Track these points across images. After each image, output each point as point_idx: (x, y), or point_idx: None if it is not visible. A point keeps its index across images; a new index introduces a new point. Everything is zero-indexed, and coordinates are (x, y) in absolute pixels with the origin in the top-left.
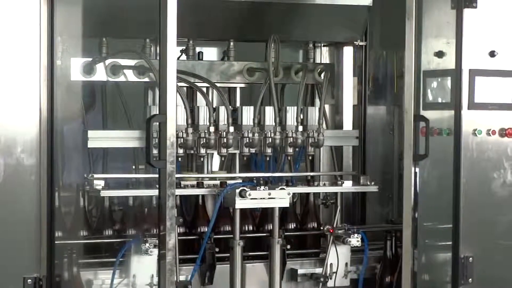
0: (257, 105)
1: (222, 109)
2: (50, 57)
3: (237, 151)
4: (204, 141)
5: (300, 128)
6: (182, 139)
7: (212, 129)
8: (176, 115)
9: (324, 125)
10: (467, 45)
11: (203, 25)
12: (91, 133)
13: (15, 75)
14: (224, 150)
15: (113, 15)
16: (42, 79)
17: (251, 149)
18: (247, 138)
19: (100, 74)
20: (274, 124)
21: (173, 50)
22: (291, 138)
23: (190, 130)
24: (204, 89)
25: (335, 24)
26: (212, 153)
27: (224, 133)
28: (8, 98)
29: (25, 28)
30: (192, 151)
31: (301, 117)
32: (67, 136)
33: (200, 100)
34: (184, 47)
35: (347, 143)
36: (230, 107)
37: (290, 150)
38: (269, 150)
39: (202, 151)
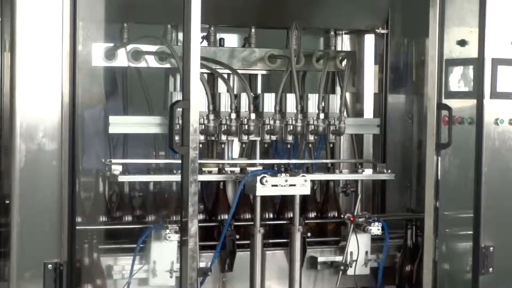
0: (278, 92)
1: (244, 96)
2: (72, 43)
3: (258, 138)
4: (225, 128)
5: (322, 115)
6: (203, 126)
7: (233, 115)
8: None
9: (345, 113)
10: (490, 34)
11: (224, 12)
12: (112, 119)
13: (38, 60)
14: (245, 137)
15: (134, 1)
16: (64, 65)
17: (272, 136)
18: (268, 125)
19: (121, 59)
20: (295, 111)
21: (197, 36)
22: (313, 126)
23: (211, 116)
24: (225, 76)
25: (357, 11)
26: (233, 140)
27: (245, 120)
28: (30, 84)
29: (47, 14)
30: (213, 138)
31: (322, 105)
32: (88, 121)
33: (221, 86)
34: (205, 34)
35: (368, 131)
36: (251, 94)
37: (311, 137)
38: (290, 138)
39: (223, 137)
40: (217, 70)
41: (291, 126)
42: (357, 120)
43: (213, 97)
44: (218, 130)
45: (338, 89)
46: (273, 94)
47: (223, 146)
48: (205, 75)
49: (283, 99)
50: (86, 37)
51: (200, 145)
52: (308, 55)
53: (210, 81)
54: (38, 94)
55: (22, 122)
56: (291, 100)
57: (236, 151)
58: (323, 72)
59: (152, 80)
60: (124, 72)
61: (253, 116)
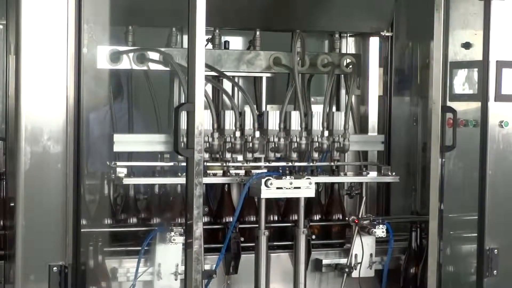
0: (283, 110)
1: (248, 114)
2: (77, 45)
3: (263, 156)
4: (230, 146)
5: (326, 133)
6: (207, 144)
7: (238, 133)
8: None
9: (350, 122)
10: (495, 36)
11: (229, 14)
12: (116, 137)
13: (43, 63)
14: (249, 155)
15: (139, 3)
16: (69, 67)
17: (276, 153)
18: (273, 143)
19: (126, 62)
20: (299, 128)
21: (202, 39)
22: (317, 143)
23: (216, 134)
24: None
25: (362, 14)
26: (237, 157)
27: (250, 137)
28: (35, 87)
29: (52, 16)
30: (217, 156)
31: (328, 110)
32: (93, 124)
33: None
34: (210, 36)
35: (373, 148)
36: (256, 111)
37: (315, 155)
38: (294, 155)
39: (228, 155)
40: (223, 87)
41: (296, 144)
42: (362, 136)
43: (218, 115)
44: (222, 148)
45: (343, 92)
46: (277, 112)
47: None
48: (210, 93)
49: (287, 116)
50: (91, 40)
51: (205, 163)
52: (313, 58)
53: (215, 97)
54: (43, 96)
55: (27, 124)
56: (295, 117)
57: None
58: (327, 88)
59: (157, 82)
60: (129, 74)
61: (257, 134)
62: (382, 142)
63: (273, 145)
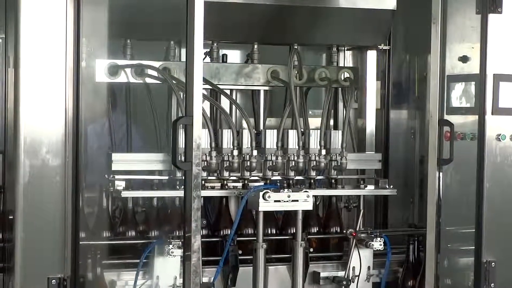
0: (280, 129)
1: (246, 132)
2: (76, 59)
3: (260, 174)
4: (228, 164)
5: (323, 151)
6: (205, 162)
7: (235, 152)
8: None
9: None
10: (492, 50)
11: (227, 28)
12: (115, 156)
13: (41, 76)
14: (247, 174)
15: (138, 17)
16: (67, 81)
17: (274, 172)
18: (270, 162)
19: (124, 76)
20: (297, 147)
21: (200, 52)
22: (314, 162)
23: (213, 153)
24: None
25: (359, 28)
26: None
27: (248, 156)
28: (34, 100)
29: (51, 30)
30: (215, 175)
31: (324, 130)
32: (91, 137)
33: (224, 101)
34: (208, 50)
35: (370, 166)
36: (253, 130)
37: (313, 173)
38: (292, 174)
39: (226, 174)
40: (221, 105)
41: (293, 162)
42: (359, 155)
43: (215, 134)
44: (220, 166)
45: (340, 105)
46: (275, 131)
47: None
48: (208, 111)
49: (285, 134)
50: (89, 53)
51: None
52: (311, 72)
53: (213, 115)
54: (42, 110)
55: (26, 137)
56: (293, 136)
57: None
58: (324, 106)
59: (156, 97)
60: (127, 87)
61: (255, 152)
62: (380, 160)
63: (270, 164)
